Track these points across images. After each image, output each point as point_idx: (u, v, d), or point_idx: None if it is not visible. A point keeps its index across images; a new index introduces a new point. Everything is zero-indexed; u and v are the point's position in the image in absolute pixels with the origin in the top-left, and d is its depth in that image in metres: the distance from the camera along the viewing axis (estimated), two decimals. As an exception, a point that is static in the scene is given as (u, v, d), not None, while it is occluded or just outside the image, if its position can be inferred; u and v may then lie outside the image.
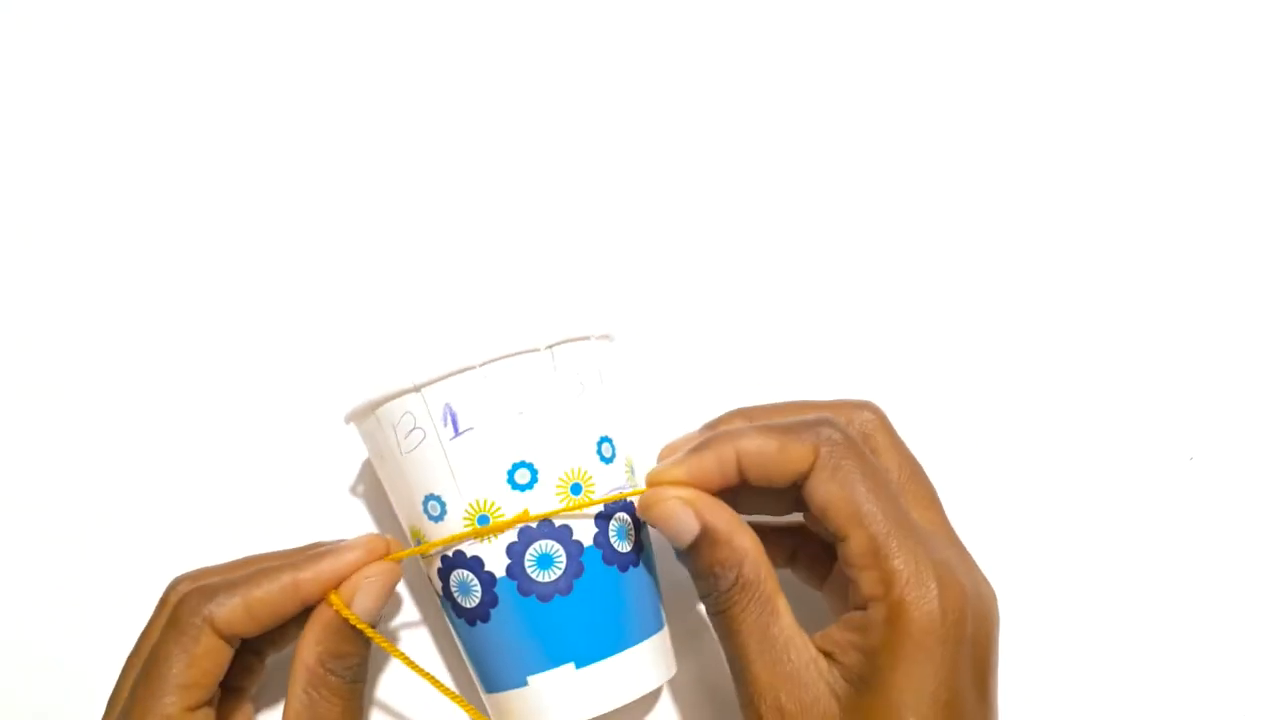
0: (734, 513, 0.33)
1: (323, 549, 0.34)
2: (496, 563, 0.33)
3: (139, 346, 0.44)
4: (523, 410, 0.34)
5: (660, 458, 0.36)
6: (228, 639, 0.32)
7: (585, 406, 0.35)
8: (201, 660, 0.32)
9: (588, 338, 0.36)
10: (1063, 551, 0.42)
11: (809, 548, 0.37)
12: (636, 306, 0.45)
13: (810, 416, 0.33)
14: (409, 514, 0.35)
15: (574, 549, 0.34)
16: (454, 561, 0.34)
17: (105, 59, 0.47)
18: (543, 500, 0.34)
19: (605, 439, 0.35)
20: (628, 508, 0.36)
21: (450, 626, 0.37)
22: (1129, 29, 0.47)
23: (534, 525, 0.33)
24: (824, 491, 0.32)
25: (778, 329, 0.44)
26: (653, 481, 0.33)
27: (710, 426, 0.36)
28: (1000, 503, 0.42)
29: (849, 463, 0.32)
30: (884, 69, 0.47)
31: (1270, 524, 0.42)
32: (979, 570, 0.33)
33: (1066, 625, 0.41)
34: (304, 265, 0.45)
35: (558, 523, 0.34)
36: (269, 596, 0.32)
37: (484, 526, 0.33)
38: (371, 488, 0.43)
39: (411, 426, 0.34)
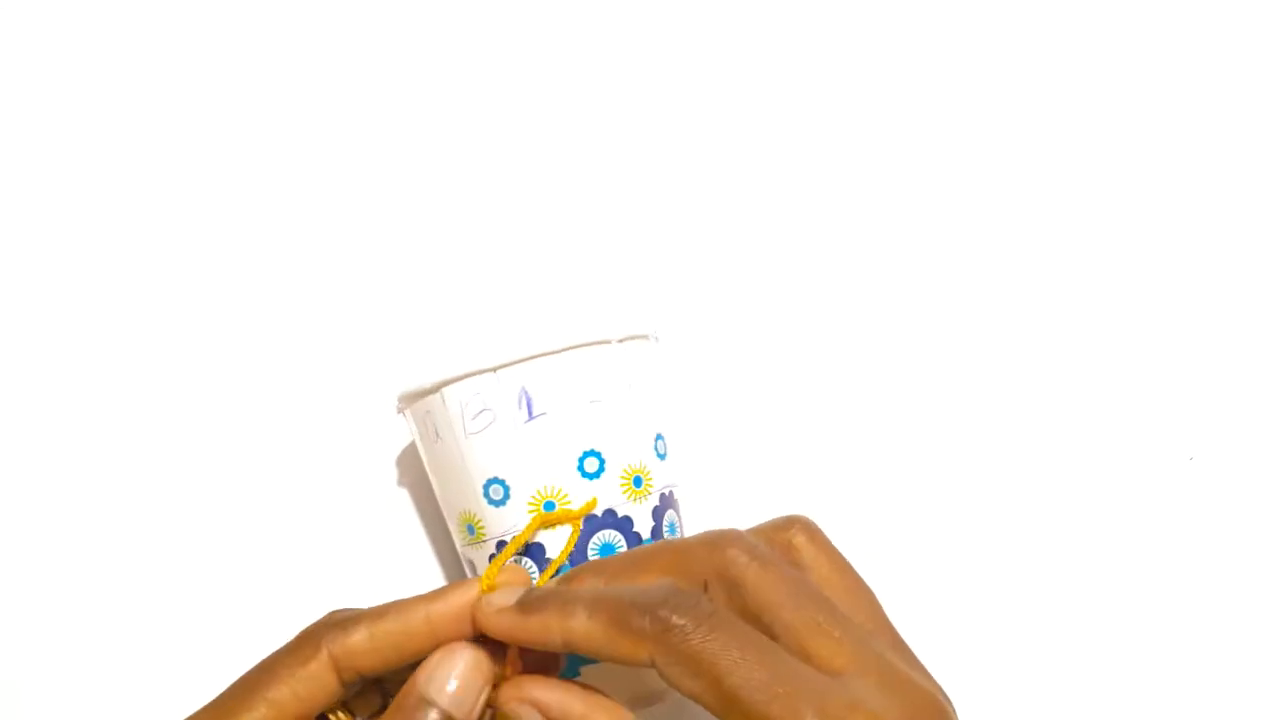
0: (589, 694, 0.30)
1: (454, 586, 0.31)
2: (557, 551, 0.33)
3: (171, 339, 0.43)
4: (595, 399, 0.34)
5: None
6: (340, 670, 0.29)
7: (647, 402, 0.36)
8: (304, 681, 0.29)
9: (647, 336, 0.37)
10: (1063, 551, 0.42)
11: None
12: (676, 308, 0.45)
13: (645, 596, 0.27)
14: (464, 499, 0.35)
15: (634, 540, 0.34)
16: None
17: (114, 58, 0.46)
18: (607, 490, 0.34)
19: (660, 436, 0.36)
20: (676, 506, 0.36)
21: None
22: (1125, 30, 0.48)
23: (599, 514, 0.34)
24: (682, 687, 0.27)
25: (811, 334, 0.44)
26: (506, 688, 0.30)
27: (565, 579, 0.31)
28: (1000, 503, 0.42)
29: (699, 646, 0.26)
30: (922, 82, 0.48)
31: (1270, 524, 0.42)
32: (910, 689, 0.28)
33: (1067, 625, 0.41)
34: (339, 259, 0.44)
35: (620, 513, 0.34)
36: (395, 627, 0.29)
37: (551, 512, 0.33)
38: (415, 478, 0.42)
39: (480, 408, 0.33)
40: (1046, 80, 0.47)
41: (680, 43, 0.48)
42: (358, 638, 0.29)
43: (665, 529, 0.35)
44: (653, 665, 0.27)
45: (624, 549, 0.34)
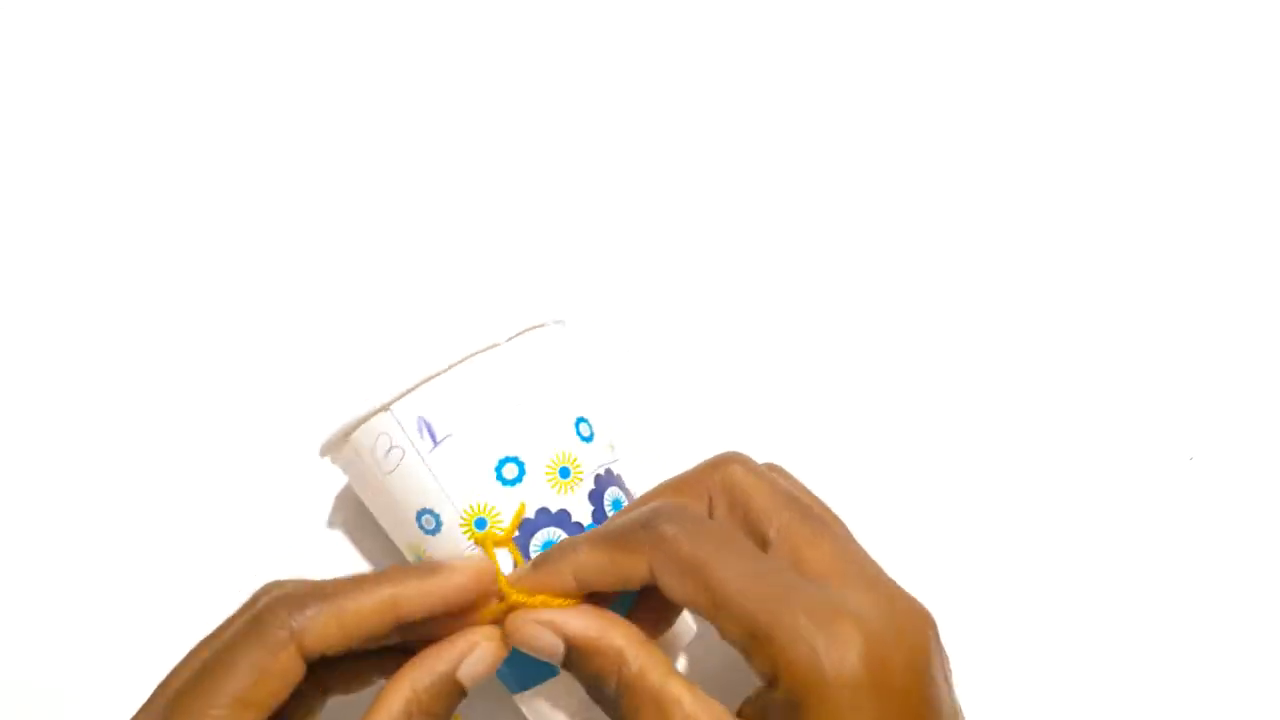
0: (599, 611, 0.31)
1: (425, 566, 0.31)
2: (505, 561, 0.33)
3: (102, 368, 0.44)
4: (496, 406, 0.34)
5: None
6: (308, 658, 0.28)
7: (555, 390, 0.35)
8: (273, 678, 0.28)
9: (543, 324, 0.36)
10: (1063, 551, 0.42)
11: None
12: (601, 291, 0.44)
13: (639, 513, 0.30)
14: (405, 535, 0.35)
15: (574, 530, 0.34)
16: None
17: (94, 60, 0.47)
18: (534, 490, 0.34)
19: (581, 419, 0.36)
20: (618, 482, 0.36)
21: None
22: (1125, 30, 0.47)
23: (532, 516, 0.33)
24: (674, 592, 0.29)
25: (748, 312, 0.44)
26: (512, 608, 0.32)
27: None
28: (1000, 503, 0.42)
29: (690, 551, 0.29)
30: (861, 69, 0.47)
31: (1270, 524, 0.42)
32: (895, 595, 0.29)
33: (1067, 625, 0.41)
34: (251, 299, 0.45)
35: (554, 508, 0.34)
36: (364, 610, 0.29)
37: (480, 531, 0.33)
38: (355, 515, 0.42)
39: (389, 446, 0.33)
40: (1041, 77, 0.47)
41: (592, 43, 0.47)
42: (326, 620, 0.28)
43: (609, 508, 0.35)
44: (652, 579, 0.29)
45: (566, 542, 0.33)
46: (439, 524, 0.34)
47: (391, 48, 0.47)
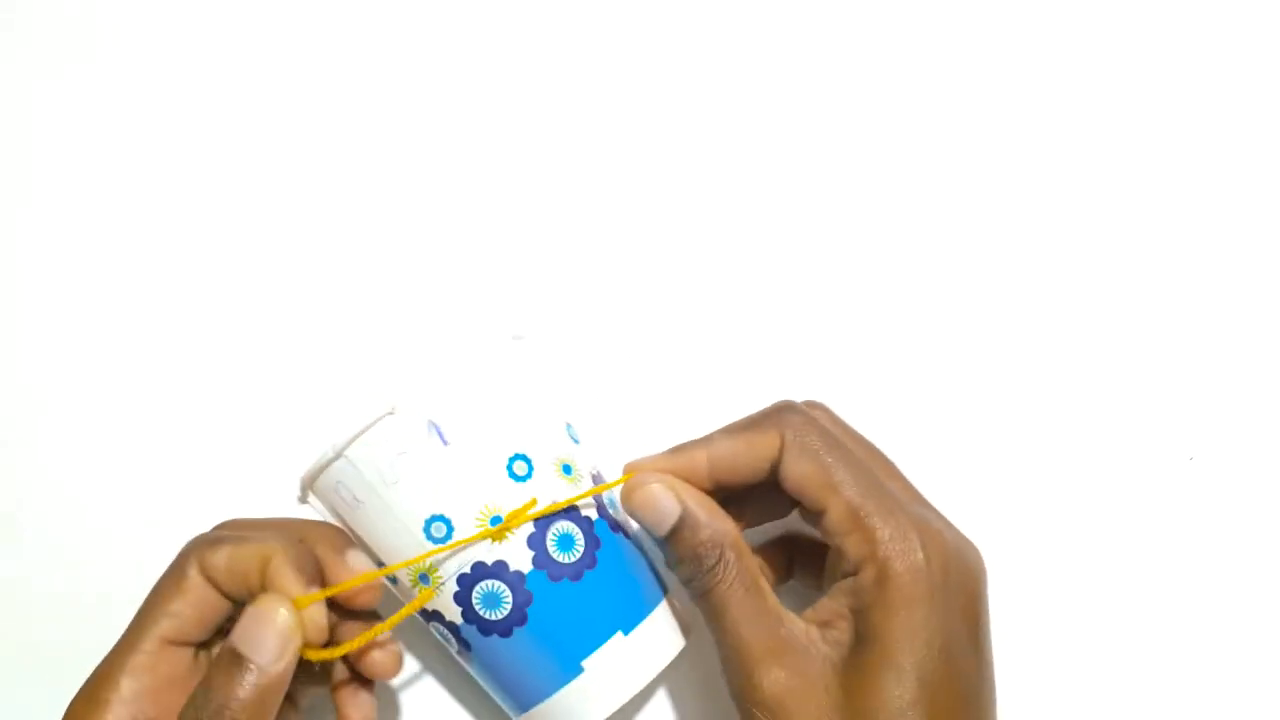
0: (712, 500, 0.34)
1: (323, 538, 0.34)
2: (521, 559, 0.33)
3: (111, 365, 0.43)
4: (503, 405, 0.34)
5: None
6: (215, 585, 0.32)
7: (549, 395, 0.36)
8: (186, 594, 0.32)
9: (536, 331, 0.37)
10: (1063, 551, 0.42)
11: (803, 555, 0.38)
12: (555, 306, 0.44)
13: (769, 407, 0.34)
14: (407, 550, 0.33)
15: (585, 524, 0.34)
16: (474, 576, 0.33)
17: (101, 64, 0.46)
18: (544, 485, 0.34)
19: (568, 424, 0.36)
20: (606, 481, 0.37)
21: (466, 663, 0.35)
22: (1125, 30, 0.47)
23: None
24: (796, 470, 0.33)
25: (725, 324, 0.44)
26: (631, 468, 0.35)
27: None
28: (1000, 502, 0.42)
29: (815, 440, 0.33)
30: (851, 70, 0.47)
31: (1270, 524, 0.42)
32: (959, 530, 0.34)
33: (1067, 625, 0.41)
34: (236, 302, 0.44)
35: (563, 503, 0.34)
36: (244, 556, 0.32)
37: (495, 527, 0.33)
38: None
39: (396, 453, 0.33)
40: (1041, 77, 0.46)
41: (570, 49, 0.47)
42: (220, 555, 0.32)
43: (608, 505, 0.36)
44: (778, 462, 0.33)
45: (579, 534, 0.34)
46: (450, 531, 0.33)
47: (395, 57, 0.47)
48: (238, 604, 0.32)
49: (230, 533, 0.33)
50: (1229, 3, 0.46)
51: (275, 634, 0.30)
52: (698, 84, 0.46)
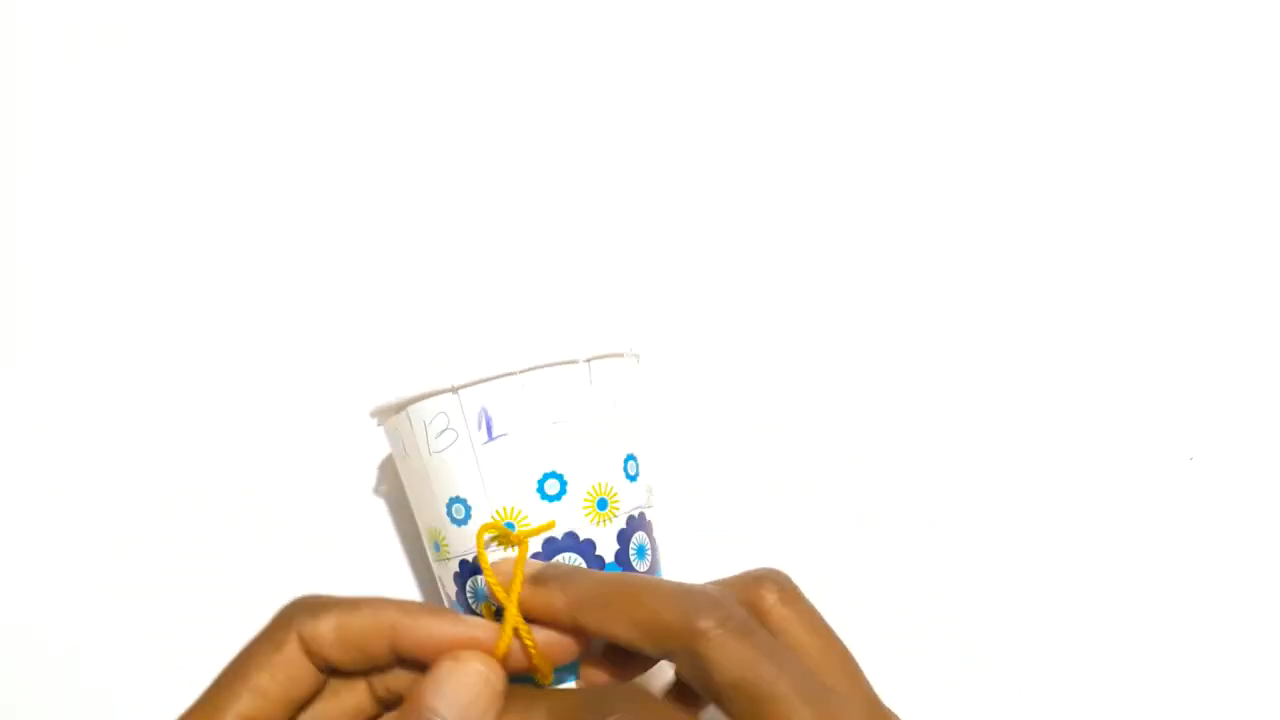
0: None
1: (442, 611, 0.30)
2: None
3: (156, 345, 0.44)
4: (557, 420, 0.34)
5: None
6: (313, 657, 0.29)
7: (615, 422, 0.35)
8: (281, 669, 0.29)
9: (622, 355, 0.36)
10: (1063, 552, 0.42)
11: None
12: (661, 328, 0.45)
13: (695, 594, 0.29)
14: (430, 516, 0.35)
15: (596, 564, 0.34)
16: (474, 568, 0.34)
17: (102, 64, 0.47)
18: (569, 512, 0.33)
19: (631, 456, 0.36)
20: (647, 528, 0.36)
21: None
22: (1125, 30, 0.47)
23: (559, 537, 0.33)
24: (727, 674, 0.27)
25: (799, 355, 0.44)
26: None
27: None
28: (1000, 502, 0.42)
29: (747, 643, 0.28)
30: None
31: (1270, 524, 0.42)
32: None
33: (1067, 625, 0.41)
34: (336, 264, 0.45)
35: (582, 536, 0.34)
36: (362, 626, 0.29)
37: (512, 532, 0.33)
38: (394, 487, 0.42)
39: (443, 427, 0.33)
40: (1045, 80, 0.47)
41: (661, 54, 0.47)
42: (326, 625, 0.29)
43: (633, 552, 0.35)
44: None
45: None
46: (468, 516, 0.34)
47: (456, 66, 0.47)
48: (337, 677, 0.30)
49: (330, 598, 0.30)
50: (1229, 3, 0.47)
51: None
52: (780, 118, 0.47)
